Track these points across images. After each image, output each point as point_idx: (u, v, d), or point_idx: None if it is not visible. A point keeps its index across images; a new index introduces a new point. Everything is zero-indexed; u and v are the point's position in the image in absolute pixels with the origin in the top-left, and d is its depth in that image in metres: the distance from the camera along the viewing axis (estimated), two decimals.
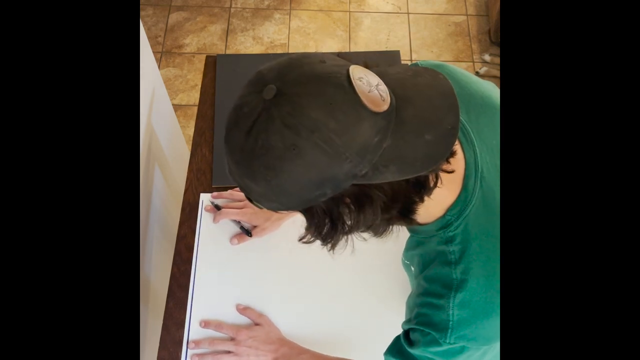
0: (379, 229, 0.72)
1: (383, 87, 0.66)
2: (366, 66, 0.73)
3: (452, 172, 0.73)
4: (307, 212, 0.70)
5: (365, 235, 0.74)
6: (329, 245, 0.72)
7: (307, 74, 0.65)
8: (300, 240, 0.73)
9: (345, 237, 0.72)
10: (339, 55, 0.73)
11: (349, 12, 2.81)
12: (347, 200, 0.68)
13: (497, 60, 2.59)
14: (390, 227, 0.73)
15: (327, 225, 0.70)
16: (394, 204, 0.70)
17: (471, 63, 2.63)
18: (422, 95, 0.69)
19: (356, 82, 0.64)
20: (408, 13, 2.81)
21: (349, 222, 0.70)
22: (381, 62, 0.75)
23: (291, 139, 0.63)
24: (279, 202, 0.69)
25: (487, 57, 2.59)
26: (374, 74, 0.68)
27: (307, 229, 0.72)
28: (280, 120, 0.63)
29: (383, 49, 2.66)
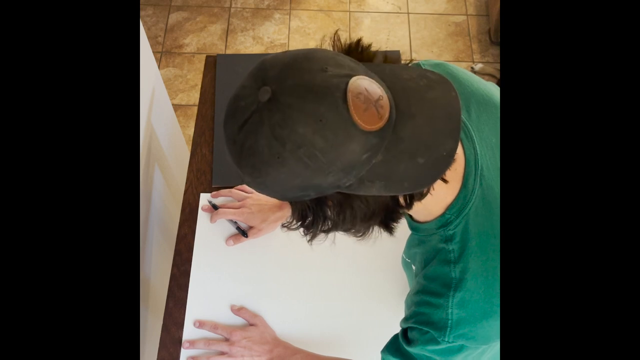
0: (359, 232, 0.73)
1: (384, 102, 0.64)
2: (385, 60, 0.72)
3: (446, 182, 0.72)
4: (293, 202, 0.71)
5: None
6: (309, 236, 0.73)
7: (305, 84, 0.63)
8: (283, 225, 0.74)
9: (326, 233, 0.73)
10: (355, 48, 0.71)
11: (349, 12, 2.81)
12: (330, 203, 0.69)
13: (489, 69, 2.59)
14: (371, 230, 0.73)
15: (309, 218, 0.71)
16: (374, 215, 0.70)
17: (471, 63, 2.63)
18: (426, 113, 0.67)
19: (352, 100, 0.62)
20: (408, 13, 2.81)
21: (330, 221, 0.70)
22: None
23: (276, 149, 0.63)
24: (264, 194, 0.70)
25: (478, 66, 2.58)
26: (379, 85, 0.66)
27: (292, 216, 0.73)
28: (269, 128, 0.63)
29: (383, 49, 2.66)
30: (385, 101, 0.65)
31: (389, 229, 0.73)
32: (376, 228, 0.73)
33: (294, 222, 0.73)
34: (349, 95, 0.63)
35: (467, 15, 2.80)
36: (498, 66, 2.59)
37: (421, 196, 0.71)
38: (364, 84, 0.64)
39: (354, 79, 0.64)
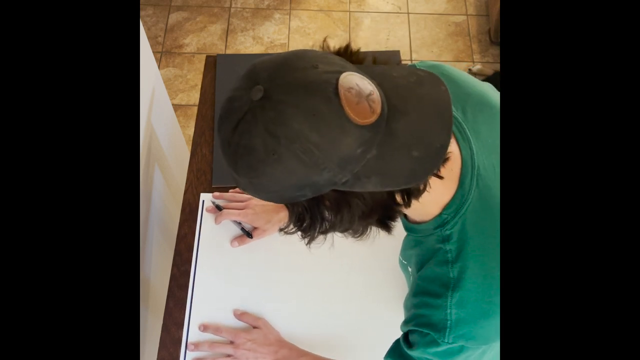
0: (357, 232, 0.73)
1: (375, 97, 0.65)
2: (374, 62, 0.72)
3: (441, 178, 0.72)
4: (289, 206, 0.71)
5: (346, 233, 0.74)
6: (307, 239, 0.73)
7: (297, 81, 0.64)
8: (281, 230, 0.74)
9: (324, 235, 0.73)
10: (344, 52, 0.71)
11: (349, 12, 2.81)
12: (327, 202, 0.69)
13: (487, 70, 2.58)
14: (369, 229, 0.73)
15: (306, 220, 0.71)
16: (372, 212, 0.70)
17: (471, 63, 2.63)
18: (418, 107, 0.68)
19: (344, 94, 0.63)
20: (408, 13, 2.81)
21: (327, 222, 0.70)
22: (389, 59, 0.73)
23: (272, 146, 0.63)
24: (260, 197, 0.70)
25: (476, 67, 2.58)
26: (369, 81, 0.67)
27: (289, 220, 0.73)
28: (263, 125, 0.63)
29: (383, 49, 2.66)
30: (377, 96, 0.66)
31: (387, 227, 0.73)
32: (374, 228, 0.73)
33: (291, 225, 0.73)
34: (341, 90, 0.63)
35: (467, 15, 2.80)
36: (498, 66, 2.59)
37: (418, 193, 0.71)
38: (355, 79, 0.65)
39: (344, 74, 0.65)
